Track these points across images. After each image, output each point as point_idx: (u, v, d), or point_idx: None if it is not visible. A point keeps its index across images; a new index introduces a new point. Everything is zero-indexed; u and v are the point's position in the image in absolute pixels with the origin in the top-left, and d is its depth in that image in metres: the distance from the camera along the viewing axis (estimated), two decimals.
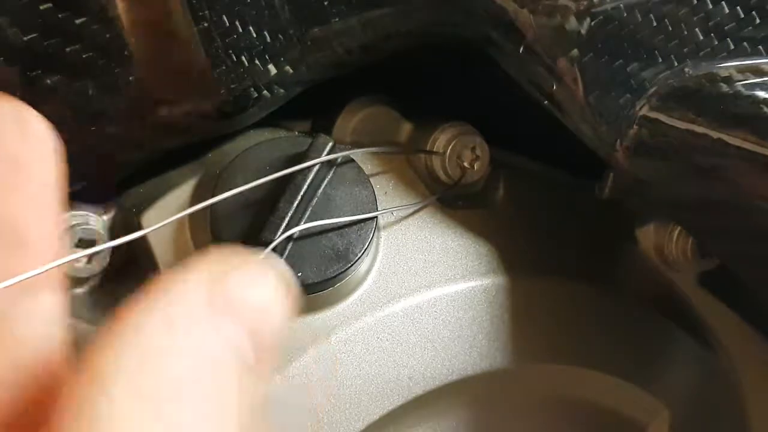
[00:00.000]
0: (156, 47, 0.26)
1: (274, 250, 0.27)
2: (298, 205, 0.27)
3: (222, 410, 0.15)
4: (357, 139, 0.33)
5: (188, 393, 0.15)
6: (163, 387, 0.15)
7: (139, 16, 0.25)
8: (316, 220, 0.28)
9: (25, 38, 0.24)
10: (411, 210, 0.32)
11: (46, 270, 0.16)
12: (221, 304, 0.16)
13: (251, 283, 0.17)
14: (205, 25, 0.26)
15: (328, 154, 0.28)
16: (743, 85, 0.26)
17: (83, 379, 0.15)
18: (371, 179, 0.30)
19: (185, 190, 0.30)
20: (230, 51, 0.27)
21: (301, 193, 0.27)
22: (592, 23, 0.27)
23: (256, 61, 0.27)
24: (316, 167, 0.28)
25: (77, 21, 0.24)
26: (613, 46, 0.27)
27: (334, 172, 0.29)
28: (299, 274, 0.28)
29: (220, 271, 0.17)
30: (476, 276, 0.32)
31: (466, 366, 0.31)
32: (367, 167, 0.31)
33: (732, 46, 0.27)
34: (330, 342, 0.29)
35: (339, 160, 0.30)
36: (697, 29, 0.27)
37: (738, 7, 0.27)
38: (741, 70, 0.26)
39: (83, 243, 0.28)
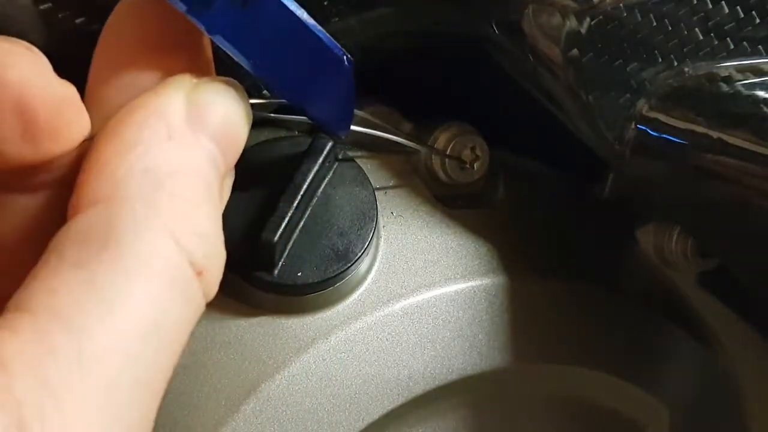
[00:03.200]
0: None
1: (274, 248, 0.27)
2: (298, 205, 0.27)
3: (211, 205, 0.18)
4: (357, 139, 0.33)
5: (186, 193, 0.17)
6: (167, 195, 0.17)
7: None
8: (316, 220, 0.28)
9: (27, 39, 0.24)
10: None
11: None
12: (197, 120, 0.18)
13: (221, 101, 0.19)
14: None
15: (328, 154, 0.28)
16: (743, 85, 0.26)
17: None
18: (371, 179, 0.30)
19: None
20: None
21: (301, 193, 0.27)
22: (592, 23, 0.27)
23: None
24: (316, 167, 0.28)
25: (77, 21, 0.24)
26: (613, 46, 0.27)
27: (334, 172, 0.29)
28: (299, 274, 0.28)
29: (193, 90, 0.19)
30: (476, 276, 0.32)
31: (466, 366, 0.31)
32: (367, 167, 0.31)
33: (732, 46, 0.27)
34: (330, 342, 0.29)
35: (339, 159, 0.30)
36: (696, 29, 0.27)
37: (738, 7, 0.27)
38: (741, 69, 0.26)
39: None
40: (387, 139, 0.32)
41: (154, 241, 0.16)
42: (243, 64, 0.20)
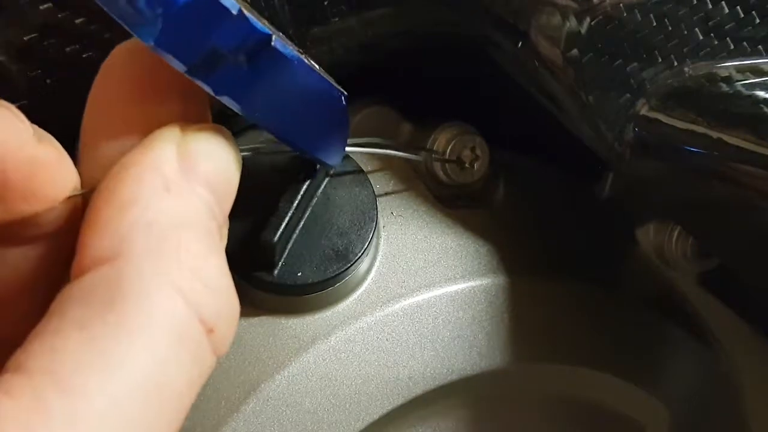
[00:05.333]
0: None
1: (274, 248, 0.27)
2: (298, 205, 0.27)
3: (218, 256, 0.17)
4: (357, 139, 0.33)
5: (189, 247, 0.17)
6: (172, 247, 0.16)
7: None
8: (316, 220, 0.28)
9: (25, 38, 0.24)
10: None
11: None
12: (190, 170, 0.18)
13: (210, 150, 0.19)
14: None
15: None
16: (743, 85, 0.26)
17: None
18: (371, 179, 0.30)
19: None
20: None
21: (301, 193, 0.27)
22: (592, 23, 0.27)
23: None
24: (316, 167, 0.28)
25: (77, 21, 0.24)
26: (613, 46, 0.27)
27: (334, 172, 0.29)
28: (299, 274, 0.28)
29: (182, 141, 0.18)
30: (476, 276, 0.32)
31: (466, 366, 0.31)
32: (367, 167, 0.31)
33: (732, 46, 0.27)
34: (330, 342, 0.29)
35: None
36: (696, 29, 0.27)
37: (738, 7, 0.27)
38: (741, 70, 0.26)
39: None
40: (386, 149, 0.32)
41: (162, 299, 0.16)
42: (244, 116, 0.20)
